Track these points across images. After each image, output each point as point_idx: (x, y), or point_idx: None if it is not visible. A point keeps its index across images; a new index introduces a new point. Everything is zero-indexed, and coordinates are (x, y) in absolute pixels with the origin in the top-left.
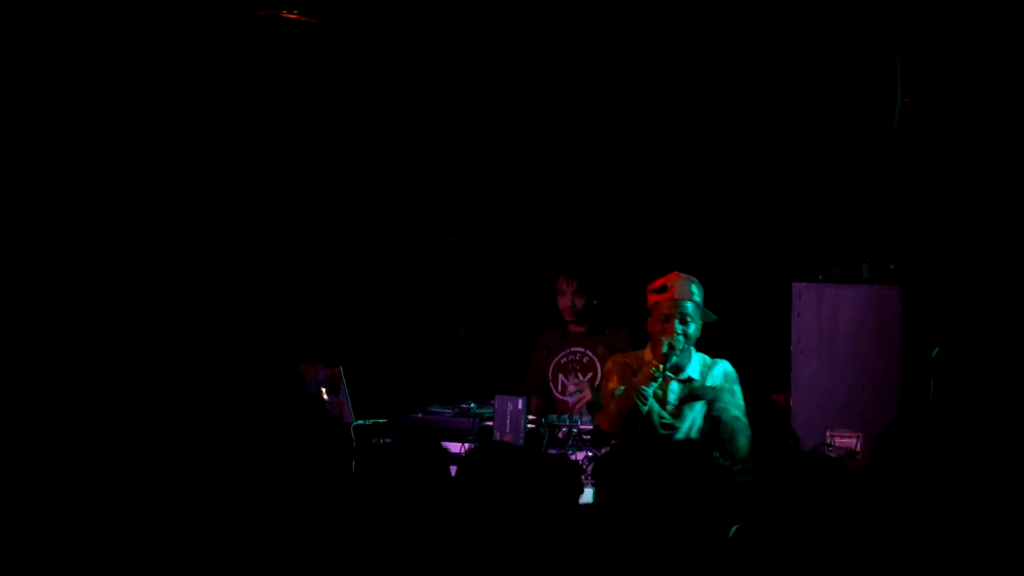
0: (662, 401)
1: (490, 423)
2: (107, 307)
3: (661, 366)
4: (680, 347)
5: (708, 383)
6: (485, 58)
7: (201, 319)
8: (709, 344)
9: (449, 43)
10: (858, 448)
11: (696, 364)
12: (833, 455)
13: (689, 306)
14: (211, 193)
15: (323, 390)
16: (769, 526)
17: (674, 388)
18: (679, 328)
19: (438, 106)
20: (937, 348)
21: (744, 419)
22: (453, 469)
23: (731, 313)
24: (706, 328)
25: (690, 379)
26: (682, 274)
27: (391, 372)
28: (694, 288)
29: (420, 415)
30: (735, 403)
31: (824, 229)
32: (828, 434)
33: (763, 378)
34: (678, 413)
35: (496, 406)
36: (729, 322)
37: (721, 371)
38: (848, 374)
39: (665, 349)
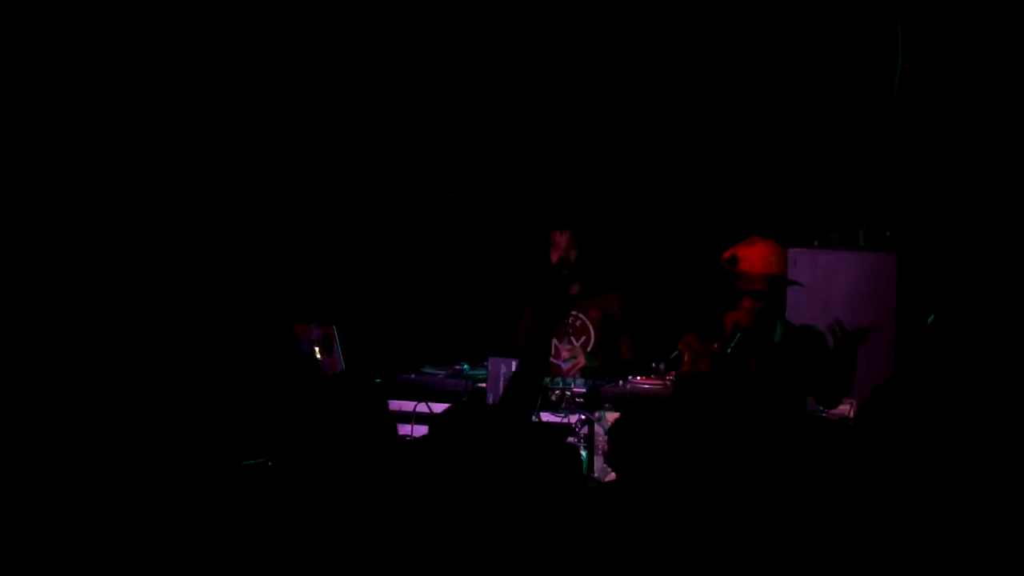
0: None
1: (483, 385)
2: (98, 263)
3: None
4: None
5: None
6: (474, 18)
7: (196, 279)
8: (705, 308)
9: (457, 25)
10: (851, 415)
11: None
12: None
13: (767, 280)
14: (204, 153)
15: (316, 349)
16: (770, 489)
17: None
18: (754, 306)
19: (430, 64)
20: (932, 316)
21: None
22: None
23: (725, 277)
24: (701, 292)
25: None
26: (764, 239)
27: (385, 332)
28: (776, 259)
29: (413, 376)
30: None
31: (820, 195)
32: None
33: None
34: None
35: (489, 368)
36: (724, 287)
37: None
38: None
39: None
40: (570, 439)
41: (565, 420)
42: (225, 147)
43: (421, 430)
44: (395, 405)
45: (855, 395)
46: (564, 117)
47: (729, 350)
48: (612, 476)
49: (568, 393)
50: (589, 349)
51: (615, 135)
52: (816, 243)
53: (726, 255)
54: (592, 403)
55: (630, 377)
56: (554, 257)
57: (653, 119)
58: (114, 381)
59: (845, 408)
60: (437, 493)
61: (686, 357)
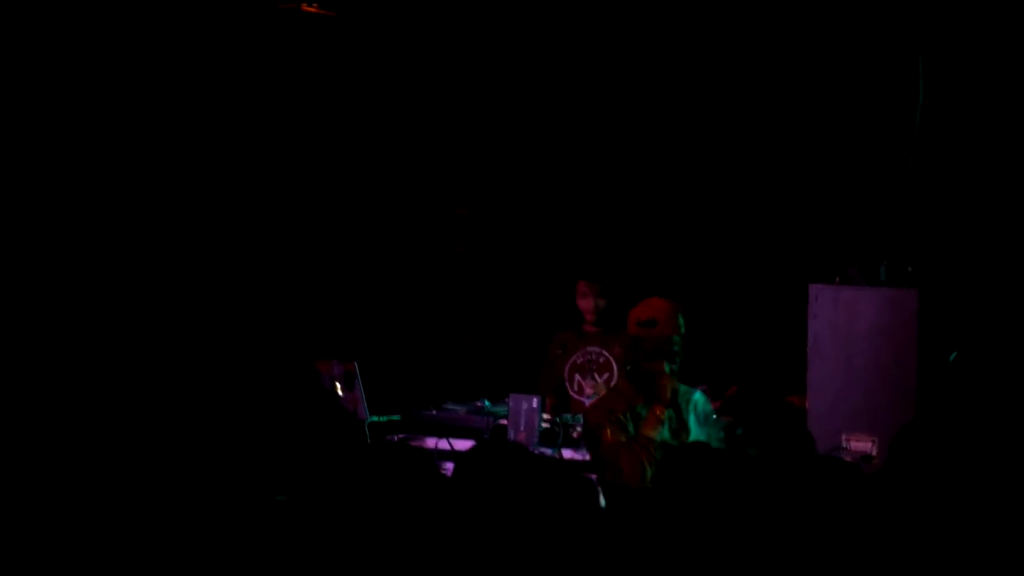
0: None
1: (504, 421)
2: (122, 300)
3: (669, 410)
4: (678, 387)
5: (693, 414)
6: (505, 56)
7: (218, 314)
8: (726, 346)
9: (469, 40)
10: (873, 452)
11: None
12: (848, 458)
13: (678, 342)
14: (229, 189)
15: (338, 385)
16: (784, 528)
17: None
18: (668, 368)
19: (456, 103)
20: (955, 353)
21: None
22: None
23: (747, 314)
24: (723, 328)
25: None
26: (665, 301)
27: (406, 369)
28: (681, 321)
29: (434, 412)
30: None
31: (842, 231)
32: (843, 437)
33: (778, 380)
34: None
35: (510, 405)
36: (745, 323)
37: (701, 401)
38: (864, 377)
39: (669, 395)
40: (591, 476)
41: (585, 457)
42: (252, 178)
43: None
44: (416, 441)
45: (876, 431)
46: (588, 156)
47: None
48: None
49: None
50: (612, 385)
51: (640, 176)
52: (837, 279)
53: (642, 318)
54: None
55: None
56: (581, 304)
57: (675, 160)
58: (138, 418)
59: (866, 446)
60: (462, 530)
61: (609, 432)
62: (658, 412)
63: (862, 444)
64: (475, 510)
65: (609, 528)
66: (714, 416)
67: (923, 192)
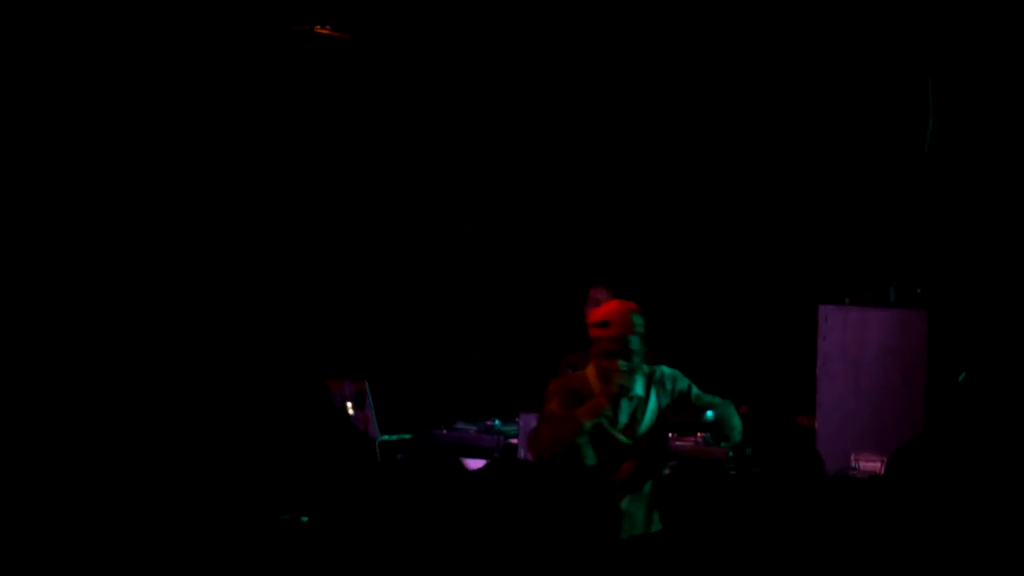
0: (612, 421)
1: (515, 440)
2: (136, 316)
3: (609, 408)
4: (629, 385)
5: (656, 388)
6: (511, 71)
7: (230, 332)
8: (737, 366)
9: (478, 59)
10: (882, 472)
11: (639, 381)
12: (857, 477)
13: (633, 340)
14: (240, 209)
15: (349, 404)
16: (796, 545)
17: (624, 406)
18: (624, 366)
19: (461, 120)
20: (963, 373)
21: (718, 399)
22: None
23: (758, 335)
24: (732, 349)
25: (636, 396)
26: (624, 303)
27: (417, 388)
28: (636, 320)
29: (445, 431)
30: (699, 394)
31: (851, 252)
32: (852, 457)
33: (788, 400)
34: (631, 432)
35: (521, 424)
36: (755, 344)
37: (669, 373)
38: (873, 398)
39: (616, 390)
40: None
41: None
42: (260, 204)
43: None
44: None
45: (885, 451)
46: (598, 175)
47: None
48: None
49: None
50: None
51: (652, 196)
52: (847, 300)
53: (597, 320)
54: None
55: None
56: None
57: (687, 180)
58: (146, 434)
59: (875, 466)
60: (477, 546)
61: (555, 401)
62: (600, 402)
63: (871, 464)
64: (490, 528)
65: (624, 544)
66: (695, 391)
67: (932, 214)
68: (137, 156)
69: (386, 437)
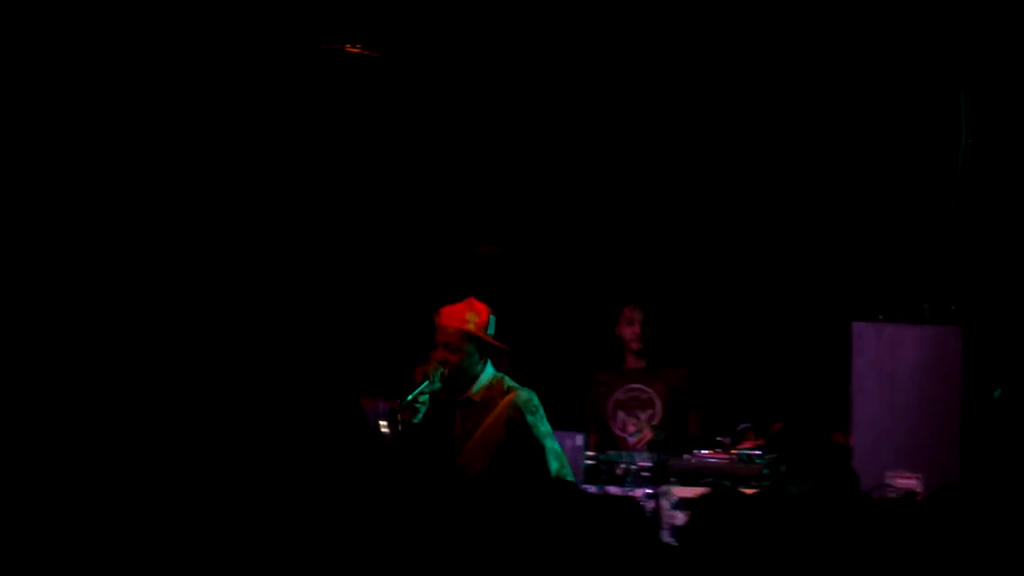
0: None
1: None
2: (169, 332)
3: (424, 384)
4: (441, 373)
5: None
6: (541, 91)
7: (263, 353)
8: (771, 383)
9: (502, 74)
10: (918, 489)
11: (479, 387)
12: (892, 495)
13: (456, 334)
14: (265, 229)
15: (382, 423)
16: (829, 568)
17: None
18: (443, 358)
19: (489, 136)
20: (999, 390)
21: (548, 441)
22: None
23: (792, 352)
24: (766, 366)
25: (468, 399)
26: (471, 300)
27: None
28: (470, 316)
29: None
30: (538, 433)
31: (885, 269)
32: (887, 475)
33: (823, 417)
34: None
35: None
36: (790, 361)
37: (523, 398)
38: (908, 415)
39: (421, 378)
40: None
41: (630, 494)
42: (286, 224)
43: None
44: None
45: (920, 469)
46: (629, 190)
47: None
48: None
49: (634, 467)
50: (656, 423)
51: (683, 213)
52: (881, 317)
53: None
54: (658, 477)
55: (696, 451)
56: (627, 333)
57: (719, 197)
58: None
59: (911, 483)
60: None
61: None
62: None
63: (906, 481)
64: (526, 548)
65: (663, 563)
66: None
67: (966, 230)
68: (170, 173)
69: None
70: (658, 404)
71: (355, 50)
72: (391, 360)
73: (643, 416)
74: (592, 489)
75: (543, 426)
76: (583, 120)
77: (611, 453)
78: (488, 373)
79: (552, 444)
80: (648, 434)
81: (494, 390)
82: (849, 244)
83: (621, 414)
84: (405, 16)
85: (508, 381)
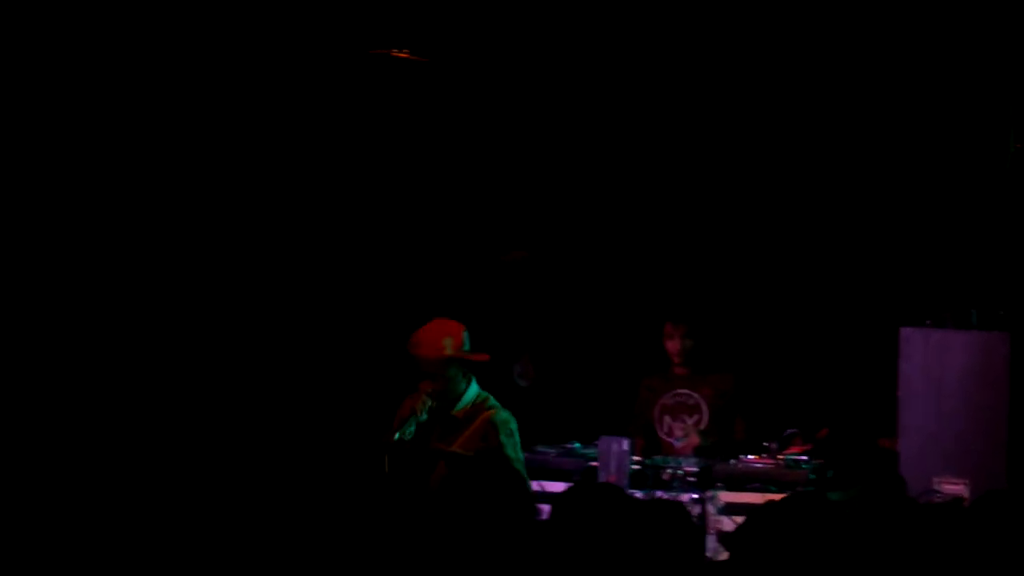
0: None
1: (595, 464)
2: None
3: (413, 418)
4: (429, 405)
5: (479, 422)
6: (584, 98)
7: (315, 355)
8: (818, 389)
9: (549, 80)
10: (965, 495)
11: (463, 405)
12: (939, 501)
13: (437, 363)
14: (310, 234)
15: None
16: (876, 571)
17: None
18: (429, 388)
19: (538, 145)
20: None
21: (519, 467)
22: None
23: (839, 358)
24: (814, 372)
25: (451, 416)
26: (440, 321)
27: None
28: (446, 341)
29: (526, 454)
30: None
31: (933, 275)
32: (934, 480)
33: (870, 423)
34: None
35: (601, 447)
36: (837, 367)
37: (501, 418)
38: (955, 420)
39: (409, 412)
40: None
41: (677, 499)
42: (332, 229)
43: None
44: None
45: (967, 474)
46: (680, 196)
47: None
48: (725, 555)
49: (680, 472)
50: (702, 428)
51: (729, 218)
52: (928, 322)
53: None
54: (704, 482)
55: (742, 456)
56: (668, 346)
57: (765, 202)
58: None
59: (958, 488)
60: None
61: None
62: (399, 418)
63: (953, 487)
64: (574, 552)
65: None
66: (507, 438)
67: (1014, 236)
68: (216, 177)
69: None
70: (704, 409)
71: (402, 55)
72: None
73: (689, 421)
74: (639, 494)
75: (515, 452)
76: (628, 126)
77: (657, 458)
78: (473, 391)
79: (521, 469)
80: (694, 439)
81: (476, 408)
82: (897, 250)
83: (667, 419)
84: (436, 24)
85: (492, 401)
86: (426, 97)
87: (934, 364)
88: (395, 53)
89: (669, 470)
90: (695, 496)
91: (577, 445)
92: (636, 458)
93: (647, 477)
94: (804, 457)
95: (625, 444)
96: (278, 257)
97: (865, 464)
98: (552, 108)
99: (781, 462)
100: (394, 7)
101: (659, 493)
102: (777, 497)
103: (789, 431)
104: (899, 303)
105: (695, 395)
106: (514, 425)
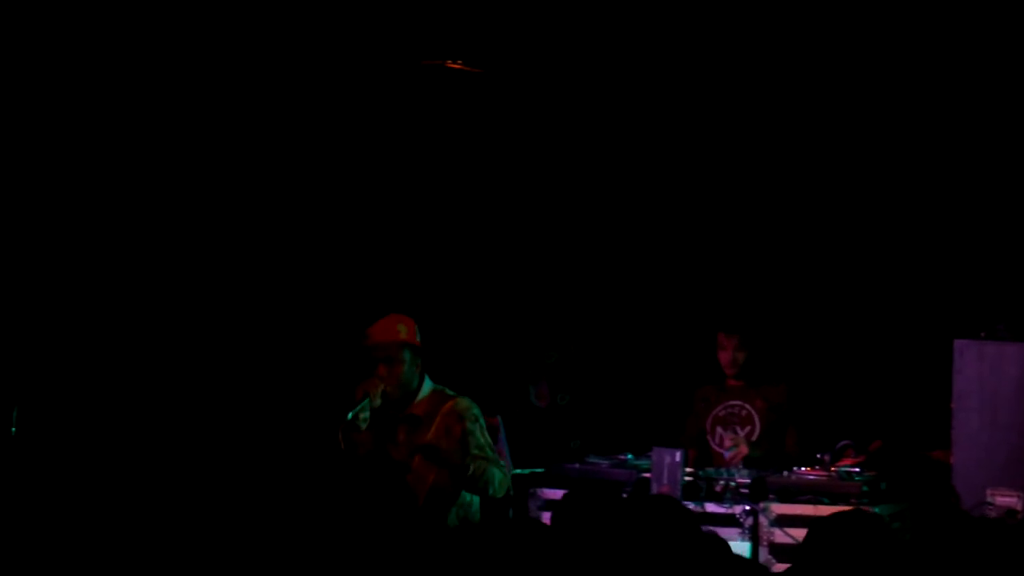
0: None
1: (648, 475)
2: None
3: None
4: (380, 392)
5: (440, 412)
6: (627, 115)
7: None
8: (871, 401)
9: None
10: (1019, 507)
11: (420, 399)
12: (993, 514)
13: (391, 346)
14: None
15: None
16: None
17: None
18: (384, 373)
19: (585, 158)
20: None
21: (490, 452)
22: None
23: (892, 369)
24: (867, 384)
25: (411, 415)
26: (395, 314)
27: (550, 421)
28: (400, 327)
29: (577, 465)
30: (475, 442)
31: (987, 286)
32: (988, 492)
33: (923, 435)
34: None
35: (653, 458)
36: (890, 378)
37: (463, 406)
38: (1010, 432)
39: (361, 396)
40: (735, 529)
41: (729, 510)
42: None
43: None
44: (557, 494)
45: (1022, 487)
46: (733, 210)
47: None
48: (778, 567)
49: (732, 483)
50: (753, 439)
51: (787, 230)
52: (983, 334)
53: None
54: (756, 494)
55: (795, 468)
56: (723, 358)
57: (819, 214)
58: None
59: (1012, 501)
60: None
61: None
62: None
63: (1008, 499)
64: (629, 560)
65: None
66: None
67: None
68: (266, 186)
69: (519, 471)
70: (757, 420)
71: (456, 66)
72: (491, 377)
73: (742, 433)
74: (691, 505)
75: (483, 437)
76: (685, 134)
77: (710, 470)
78: (428, 386)
79: (492, 454)
80: (744, 449)
81: (435, 402)
82: (951, 261)
83: (720, 430)
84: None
85: (449, 391)
86: (468, 105)
87: (988, 376)
88: (450, 64)
89: (722, 482)
90: (747, 508)
91: (630, 456)
92: (688, 469)
93: (699, 489)
94: (857, 469)
95: (678, 455)
96: (313, 265)
97: (918, 476)
98: (609, 117)
99: (834, 474)
100: (446, 18)
101: (711, 505)
102: (835, 510)
103: (842, 443)
104: (953, 315)
105: (748, 407)
106: (477, 410)
